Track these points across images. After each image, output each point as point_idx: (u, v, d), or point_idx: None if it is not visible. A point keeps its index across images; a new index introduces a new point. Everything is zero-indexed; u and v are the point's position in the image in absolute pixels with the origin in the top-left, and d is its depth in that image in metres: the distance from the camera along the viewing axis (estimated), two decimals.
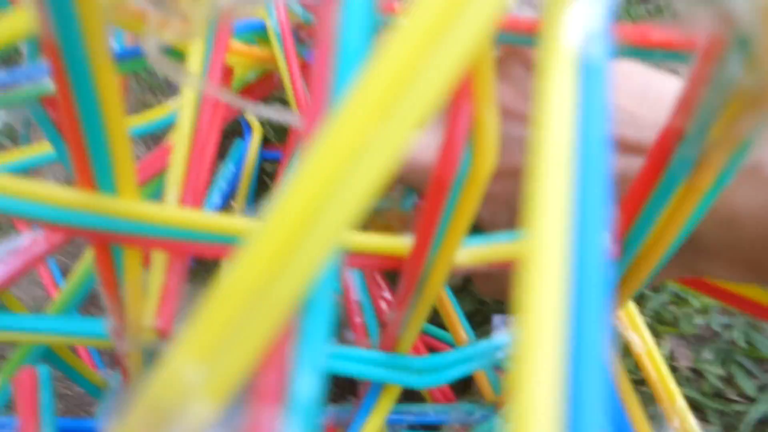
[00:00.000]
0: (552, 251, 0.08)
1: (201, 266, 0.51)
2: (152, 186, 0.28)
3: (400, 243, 0.21)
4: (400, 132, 0.09)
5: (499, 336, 0.25)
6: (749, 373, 0.40)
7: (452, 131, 0.16)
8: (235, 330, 0.08)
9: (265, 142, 0.52)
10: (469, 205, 0.18)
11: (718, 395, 0.35)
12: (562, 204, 0.09)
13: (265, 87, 0.34)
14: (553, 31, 0.09)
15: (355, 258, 0.21)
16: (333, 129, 0.09)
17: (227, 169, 0.44)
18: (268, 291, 0.09)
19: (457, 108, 0.15)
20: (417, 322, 0.24)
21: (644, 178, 0.18)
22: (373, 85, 0.09)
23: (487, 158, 0.16)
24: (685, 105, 0.15)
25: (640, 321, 0.29)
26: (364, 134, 0.09)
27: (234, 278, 0.09)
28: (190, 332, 0.09)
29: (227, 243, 0.19)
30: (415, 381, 0.25)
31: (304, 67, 0.35)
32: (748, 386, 0.39)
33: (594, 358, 0.08)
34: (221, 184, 0.43)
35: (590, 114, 0.09)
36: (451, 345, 0.36)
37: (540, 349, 0.08)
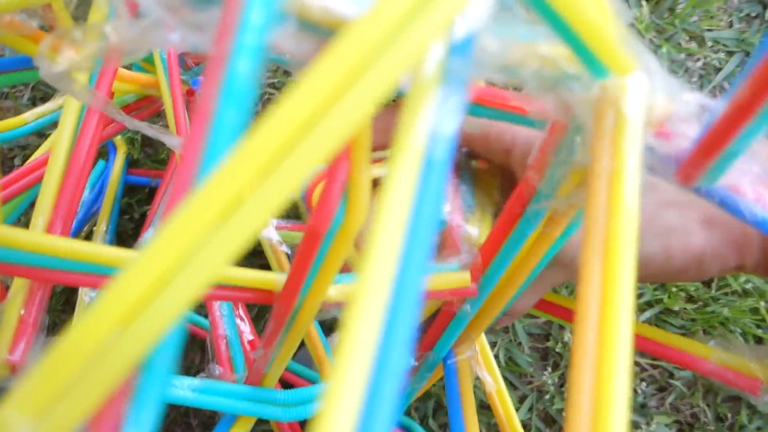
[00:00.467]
0: (372, 300, 0.09)
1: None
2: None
3: (271, 278, 0.21)
4: (268, 203, 0.09)
5: None
6: (511, 386, 0.48)
7: (329, 189, 0.17)
8: (71, 387, 0.08)
9: (130, 165, 0.50)
10: (339, 253, 0.18)
11: (485, 407, 0.41)
12: (390, 260, 0.10)
13: (145, 112, 0.34)
14: (408, 130, 0.10)
15: (226, 291, 0.21)
16: (202, 193, 0.09)
17: (86, 191, 0.42)
18: (110, 350, 0.08)
19: (334, 168, 0.16)
20: (284, 358, 0.25)
21: (502, 226, 0.20)
22: (255, 149, 0.09)
23: (359, 214, 0.17)
24: (538, 166, 0.17)
25: (493, 361, 0.31)
26: (232, 200, 0.09)
27: (78, 333, 0.08)
28: (26, 384, 0.08)
29: (93, 273, 0.18)
30: (281, 414, 0.25)
31: (189, 94, 0.35)
32: (512, 397, 0.45)
33: (389, 396, 0.08)
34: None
35: (425, 199, 0.10)
36: (310, 381, 0.36)
37: (343, 387, 0.08)
